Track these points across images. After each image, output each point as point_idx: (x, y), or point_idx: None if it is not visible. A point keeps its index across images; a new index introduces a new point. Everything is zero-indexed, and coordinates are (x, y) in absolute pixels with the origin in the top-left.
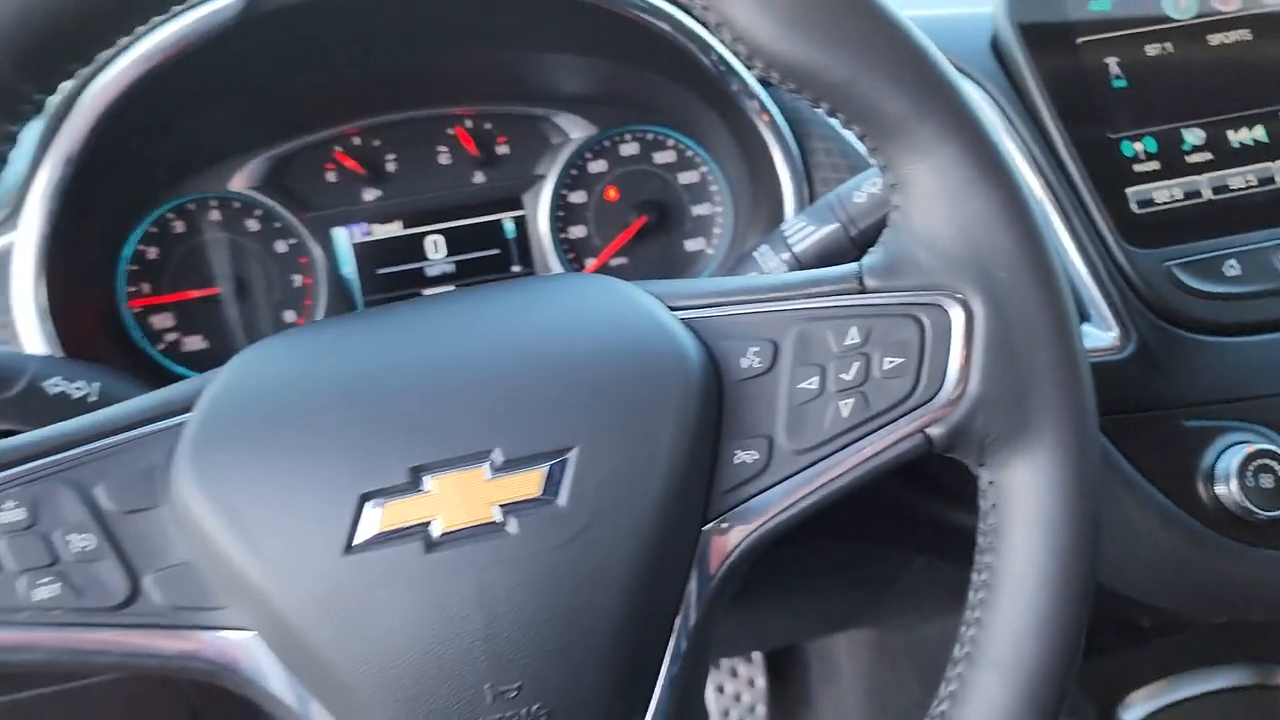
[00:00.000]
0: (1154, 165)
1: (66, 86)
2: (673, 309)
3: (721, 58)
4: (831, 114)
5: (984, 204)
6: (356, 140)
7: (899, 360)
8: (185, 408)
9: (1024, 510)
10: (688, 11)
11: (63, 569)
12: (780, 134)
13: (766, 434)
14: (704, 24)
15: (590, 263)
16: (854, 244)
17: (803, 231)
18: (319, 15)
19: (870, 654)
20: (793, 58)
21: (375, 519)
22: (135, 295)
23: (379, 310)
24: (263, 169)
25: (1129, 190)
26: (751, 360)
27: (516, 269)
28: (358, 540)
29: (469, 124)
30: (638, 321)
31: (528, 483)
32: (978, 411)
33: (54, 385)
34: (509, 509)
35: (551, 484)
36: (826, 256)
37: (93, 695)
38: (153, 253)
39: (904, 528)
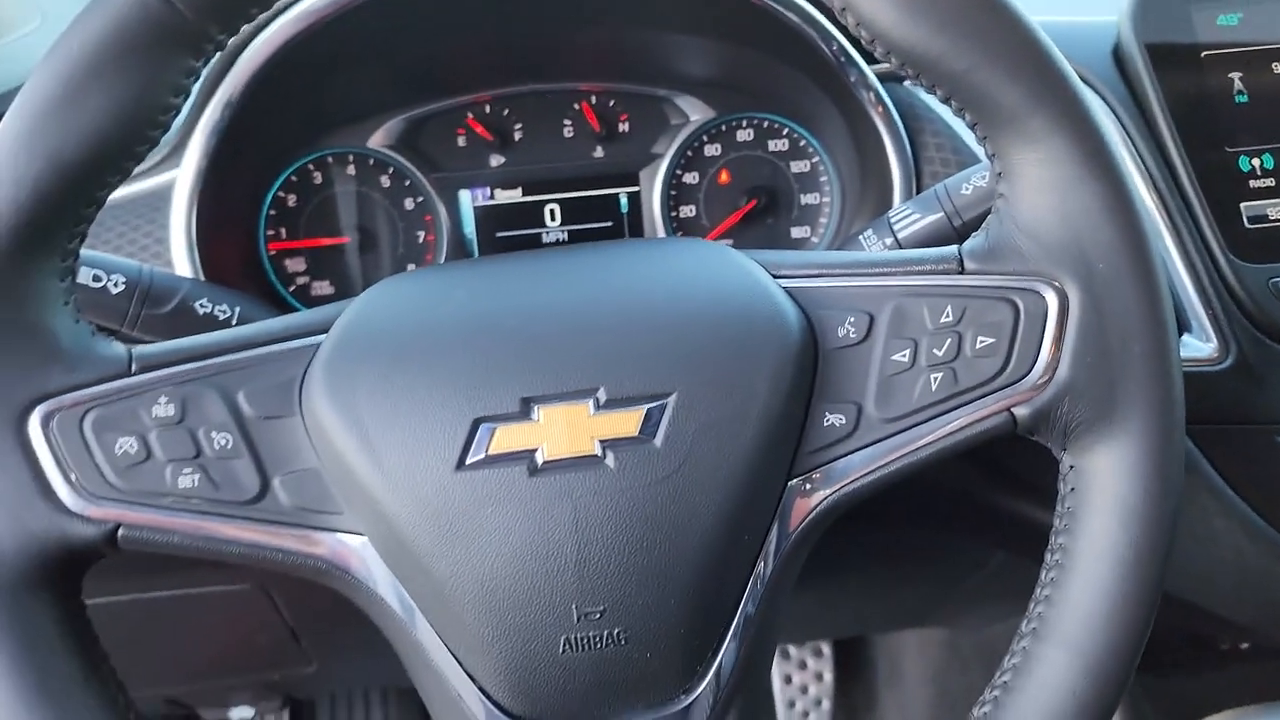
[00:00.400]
0: (1270, 181)
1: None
2: (776, 276)
3: (842, 48)
4: (946, 101)
5: (1089, 197)
6: (487, 108)
7: (990, 340)
8: (323, 329)
9: (1103, 495)
10: None
11: (204, 463)
12: (894, 127)
13: (856, 401)
14: (829, 9)
15: None
16: (957, 234)
17: (908, 218)
18: None
19: (940, 655)
20: (913, 44)
21: (486, 442)
22: (273, 238)
23: (502, 256)
24: (399, 129)
25: (1243, 205)
26: (848, 330)
27: None
28: (469, 460)
29: (594, 100)
30: (742, 284)
31: (627, 421)
32: (1064, 396)
33: (202, 306)
34: (608, 444)
35: (649, 425)
36: (929, 244)
37: (199, 606)
38: (291, 200)
39: (981, 520)
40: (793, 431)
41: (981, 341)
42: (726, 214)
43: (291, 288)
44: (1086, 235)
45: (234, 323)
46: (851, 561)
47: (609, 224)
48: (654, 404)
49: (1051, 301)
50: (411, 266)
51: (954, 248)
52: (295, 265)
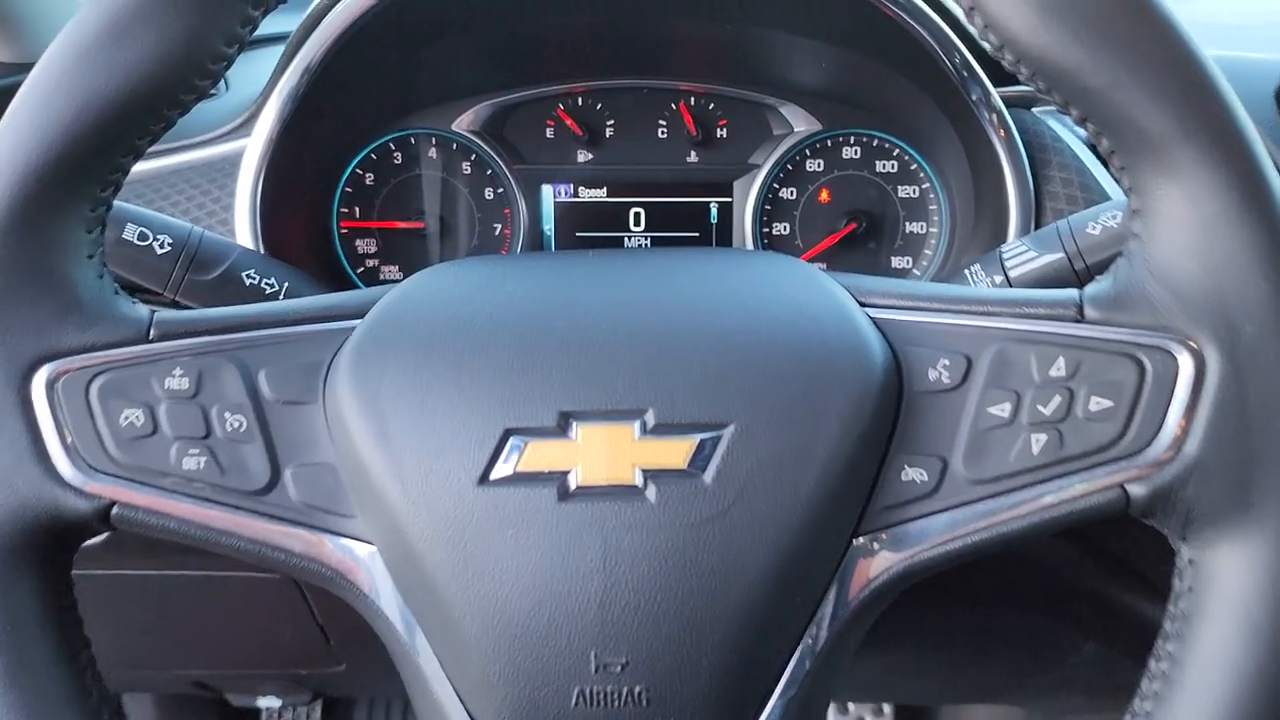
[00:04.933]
0: None
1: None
2: (863, 304)
3: (965, 61)
4: (1081, 123)
5: (1241, 244)
6: (579, 100)
7: (1108, 403)
8: (359, 313)
9: (1225, 602)
10: None
11: (213, 444)
12: (1016, 154)
13: (942, 455)
14: (948, 20)
15: None
16: (1078, 280)
17: (1023, 256)
18: None
19: None
20: (1048, 52)
21: (516, 456)
22: (346, 216)
23: (564, 253)
24: (486, 114)
25: None
26: (940, 372)
27: None
28: (495, 475)
29: (693, 102)
30: (824, 309)
31: (675, 451)
32: (1190, 477)
33: (249, 277)
34: (651, 475)
35: (700, 457)
36: (1043, 287)
37: (228, 590)
38: (369, 178)
39: (1076, 604)
40: (864, 482)
41: (1097, 403)
42: (823, 235)
43: (360, 269)
44: (1233, 289)
45: (280, 298)
46: (924, 631)
47: (696, 234)
48: (708, 434)
49: (1184, 364)
50: None
51: (1073, 291)
52: (366, 246)
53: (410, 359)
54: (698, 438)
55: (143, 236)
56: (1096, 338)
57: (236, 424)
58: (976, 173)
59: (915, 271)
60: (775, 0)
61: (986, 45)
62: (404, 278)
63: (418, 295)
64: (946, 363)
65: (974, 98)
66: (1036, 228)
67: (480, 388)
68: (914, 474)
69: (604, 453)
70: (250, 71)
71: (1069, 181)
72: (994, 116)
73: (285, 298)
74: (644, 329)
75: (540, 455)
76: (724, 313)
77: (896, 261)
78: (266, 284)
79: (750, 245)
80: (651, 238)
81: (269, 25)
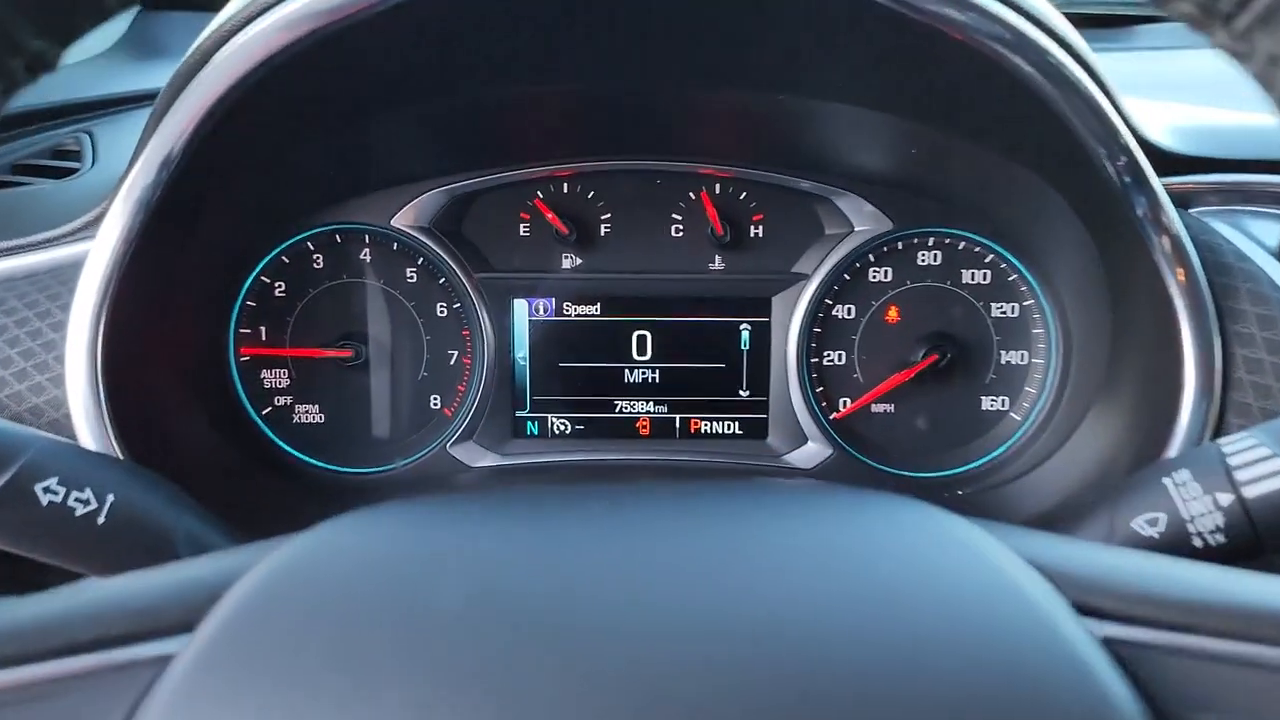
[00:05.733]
0: None
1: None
2: (1085, 611)
3: (1132, 164)
4: None
5: None
6: (565, 187)
7: None
8: (184, 624)
9: None
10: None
11: None
12: (1198, 296)
13: None
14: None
15: (845, 404)
16: None
17: (1264, 464)
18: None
19: None
20: None
21: None
22: (248, 340)
23: (554, 503)
24: (437, 205)
25: None
26: None
27: (744, 394)
28: None
29: (718, 189)
30: (1023, 640)
31: None
32: None
33: (49, 490)
34: None
35: None
36: None
37: None
38: (279, 289)
39: None
40: None
41: None
42: (892, 368)
43: (265, 409)
44: None
45: (100, 521)
46: None
47: (720, 366)
48: None
49: None
50: (436, 399)
51: None
52: (275, 379)
53: None
54: None
55: None
56: None
57: None
58: (1117, 294)
59: (1015, 415)
60: (832, 60)
61: None
62: (324, 423)
63: (288, 603)
64: None
65: (1139, 212)
66: (1224, 389)
67: None
68: None
69: None
70: (128, 138)
71: (1269, 321)
72: (1166, 241)
73: (108, 520)
74: (686, 694)
75: None
76: (834, 648)
77: (988, 402)
78: (77, 500)
79: (793, 381)
80: (660, 370)
81: (144, 80)
